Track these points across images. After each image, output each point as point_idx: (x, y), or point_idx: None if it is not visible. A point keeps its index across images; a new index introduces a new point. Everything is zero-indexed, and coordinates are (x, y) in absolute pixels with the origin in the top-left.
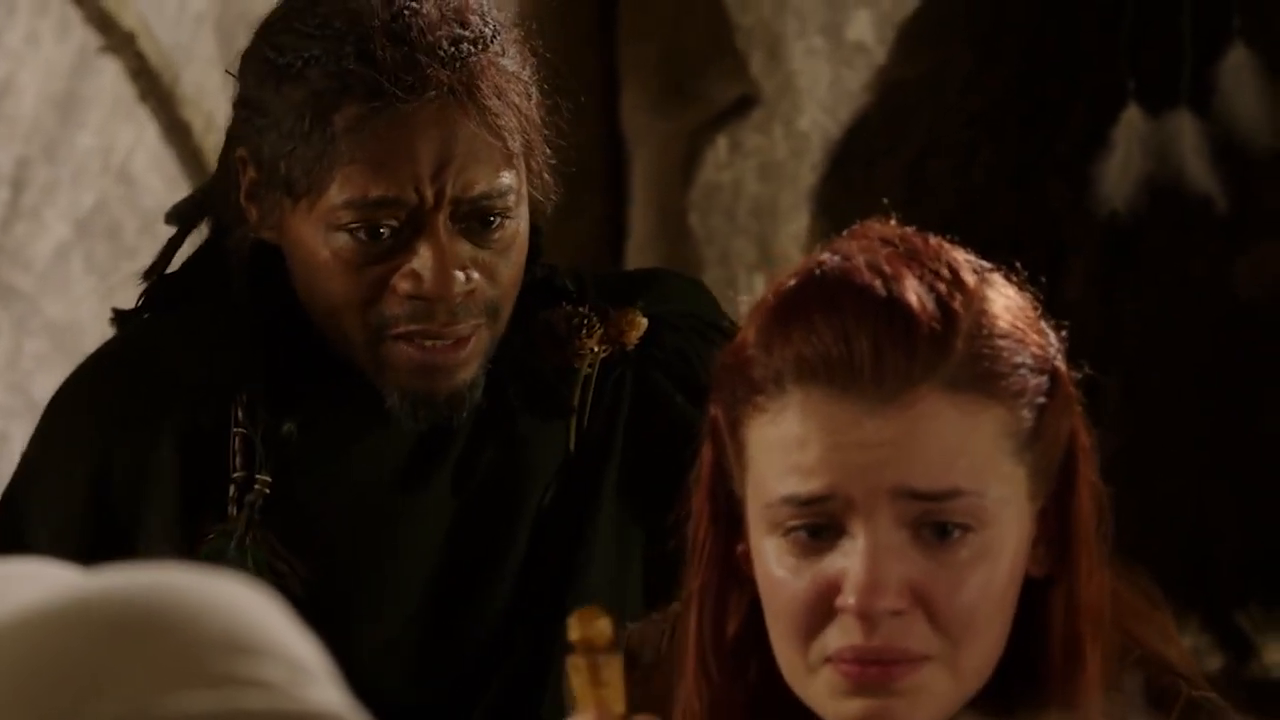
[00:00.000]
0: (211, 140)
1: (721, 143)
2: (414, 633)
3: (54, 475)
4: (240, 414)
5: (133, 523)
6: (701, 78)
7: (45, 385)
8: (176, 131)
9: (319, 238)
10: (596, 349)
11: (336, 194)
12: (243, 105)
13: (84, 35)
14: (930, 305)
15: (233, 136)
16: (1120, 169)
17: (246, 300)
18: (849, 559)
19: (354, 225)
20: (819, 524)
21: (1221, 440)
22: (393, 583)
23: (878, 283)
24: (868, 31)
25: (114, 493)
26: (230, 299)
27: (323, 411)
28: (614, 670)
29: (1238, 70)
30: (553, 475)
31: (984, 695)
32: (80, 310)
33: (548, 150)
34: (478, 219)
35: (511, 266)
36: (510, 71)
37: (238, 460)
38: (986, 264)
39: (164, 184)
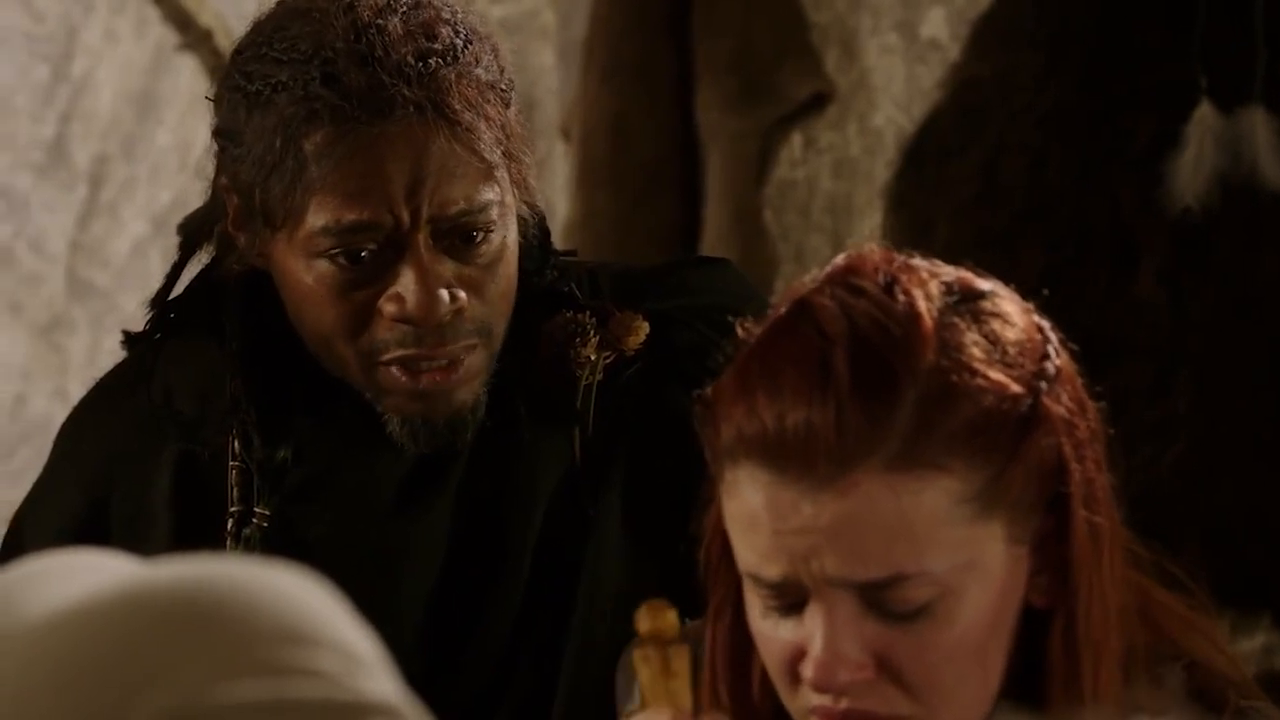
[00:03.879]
0: None
1: (796, 140)
2: (420, 657)
3: (53, 506)
4: (236, 445)
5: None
6: (776, 75)
7: None
8: None
9: (301, 265)
10: (594, 356)
11: (312, 221)
12: (219, 134)
13: (161, 33)
14: (869, 376)
15: (217, 165)
16: (1192, 166)
17: (238, 328)
18: (810, 631)
19: (333, 251)
20: (783, 596)
21: None
22: (397, 609)
23: (815, 351)
24: (941, 28)
25: (111, 527)
26: (224, 333)
27: (320, 439)
28: (682, 661)
29: None
30: (558, 487)
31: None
32: None
33: (529, 159)
34: (460, 236)
35: (500, 282)
36: (485, 81)
37: (235, 493)
38: (977, 287)
39: None
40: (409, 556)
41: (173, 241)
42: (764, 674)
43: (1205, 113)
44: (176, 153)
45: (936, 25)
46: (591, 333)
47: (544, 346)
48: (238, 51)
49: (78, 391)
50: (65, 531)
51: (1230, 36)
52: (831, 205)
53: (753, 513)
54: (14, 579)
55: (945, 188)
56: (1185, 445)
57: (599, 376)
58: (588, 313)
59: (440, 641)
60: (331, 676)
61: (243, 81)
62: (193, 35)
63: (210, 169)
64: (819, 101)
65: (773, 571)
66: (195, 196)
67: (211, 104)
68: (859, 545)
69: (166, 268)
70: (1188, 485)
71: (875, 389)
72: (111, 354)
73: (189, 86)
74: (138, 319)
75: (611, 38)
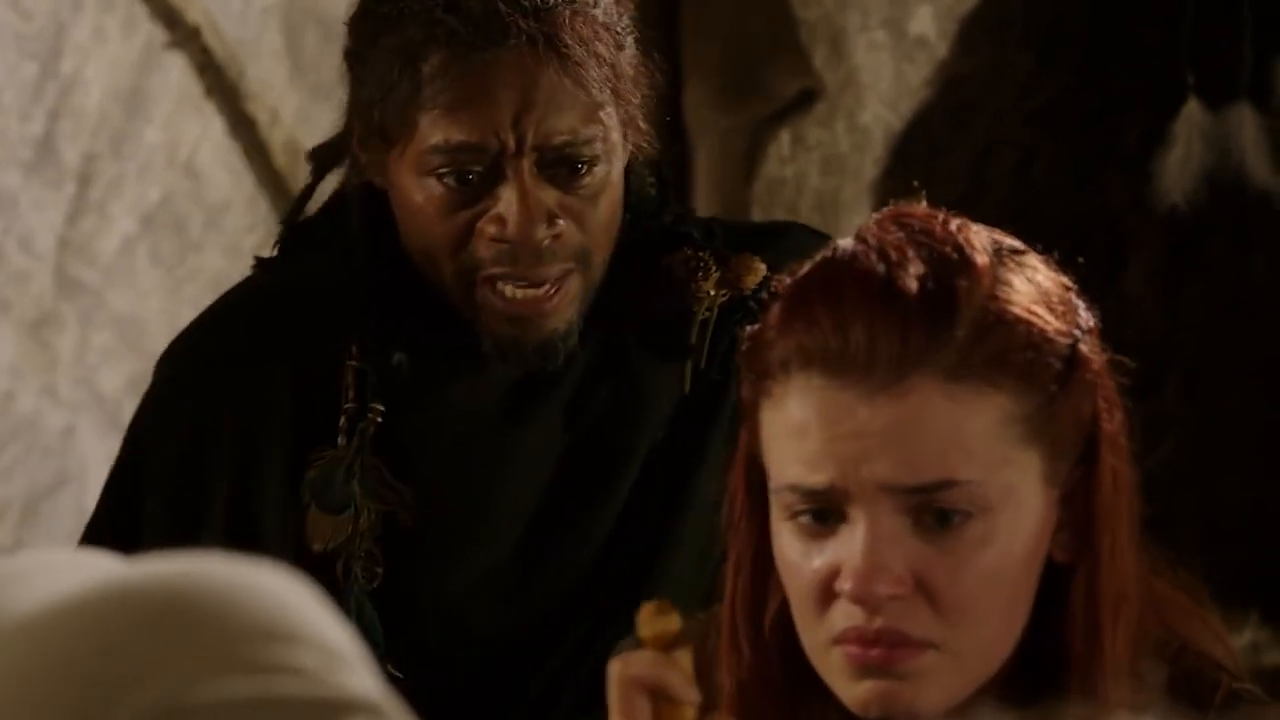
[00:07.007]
0: (277, 134)
1: (784, 137)
2: (514, 562)
3: (168, 427)
4: (354, 349)
5: (249, 457)
6: (764, 72)
7: (111, 379)
8: (242, 126)
9: (413, 183)
10: (714, 292)
11: (423, 139)
12: (349, 56)
13: (150, 30)
14: (931, 291)
15: (349, 87)
16: (1180, 163)
17: (359, 244)
18: (851, 544)
19: (441, 170)
20: (823, 509)
21: None
22: (497, 513)
23: (879, 269)
24: (929, 26)
25: (224, 445)
26: (347, 244)
27: (429, 350)
28: (685, 663)
29: None
30: (667, 416)
31: (1010, 681)
32: (146, 304)
33: (639, 101)
34: (564, 165)
35: (601, 213)
36: (600, 22)
37: (350, 392)
38: (1016, 245)
39: (229, 178)
40: (515, 464)
41: (160, 240)
42: (774, 631)
43: (1193, 110)
44: (165, 150)
45: (924, 23)
46: (713, 268)
47: (664, 280)
48: None
49: (66, 389)
50: (181, 453)
51: (1218, 35)
52: (820, 202)
53: (802, 421)
54: None
55: (934, 185)
56: (1174, 443)
57: (715, 313)
58: (709, 251)
59: (540, 545)
60: (313, 673)
61: (374, 5)
62: (181, 33)
63: (202, 165)
64: (807, 99)
65: (819, 478)
66: (184, 194)
67: (345, 27)
68: (912, 449)
69: (155, 266)
70: (1176, 483)
71: (939, 305)
72: (100, 351)
73: (177, 84)
74: (126, 316)
75: None
